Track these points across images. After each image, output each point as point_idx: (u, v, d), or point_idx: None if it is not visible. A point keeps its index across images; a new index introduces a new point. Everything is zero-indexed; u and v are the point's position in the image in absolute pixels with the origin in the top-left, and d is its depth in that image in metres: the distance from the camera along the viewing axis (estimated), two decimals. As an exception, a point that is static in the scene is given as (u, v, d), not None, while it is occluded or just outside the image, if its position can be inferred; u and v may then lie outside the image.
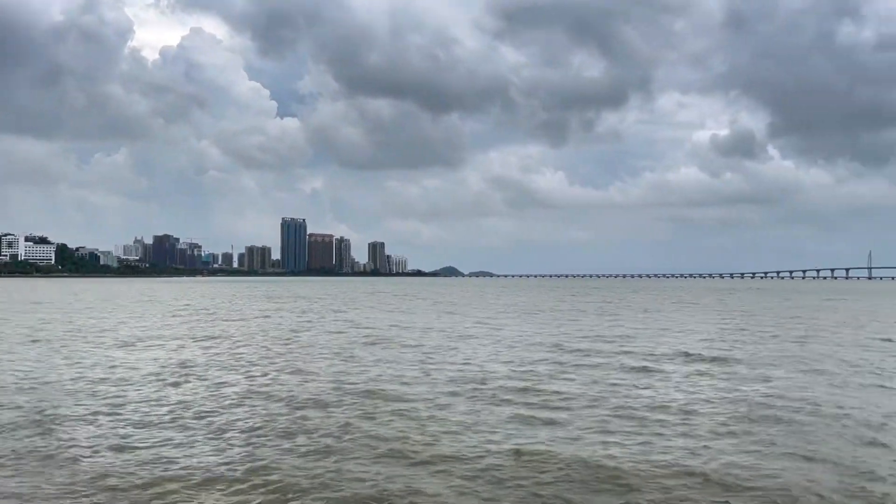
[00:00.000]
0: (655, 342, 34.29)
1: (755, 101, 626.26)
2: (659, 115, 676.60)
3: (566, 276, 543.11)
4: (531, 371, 24.35)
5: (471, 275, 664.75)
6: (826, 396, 19.51)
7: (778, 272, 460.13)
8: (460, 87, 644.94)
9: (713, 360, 27.46)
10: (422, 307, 71.36)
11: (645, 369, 24.86)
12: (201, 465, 13.03)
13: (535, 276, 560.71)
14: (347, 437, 15.02)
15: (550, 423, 16.41)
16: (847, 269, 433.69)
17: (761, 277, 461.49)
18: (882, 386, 21.53)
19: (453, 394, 19.94)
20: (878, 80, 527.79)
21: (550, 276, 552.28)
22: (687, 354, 28.95)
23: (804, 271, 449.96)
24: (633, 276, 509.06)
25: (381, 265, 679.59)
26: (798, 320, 51.56)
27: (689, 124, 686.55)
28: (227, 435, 15.19)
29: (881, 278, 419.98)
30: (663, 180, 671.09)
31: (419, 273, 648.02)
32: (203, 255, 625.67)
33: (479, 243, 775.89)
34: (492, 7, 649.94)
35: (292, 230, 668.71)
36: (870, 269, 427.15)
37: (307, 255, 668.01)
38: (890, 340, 35.68)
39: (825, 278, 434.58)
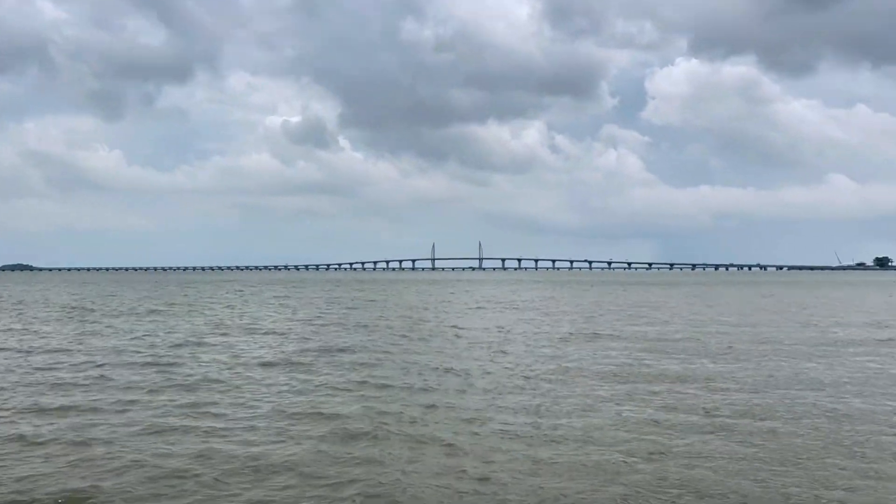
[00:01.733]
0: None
1: (326, 89, 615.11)
2: (229, 95, 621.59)
3: (126, 270, 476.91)
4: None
5: (3, 269, 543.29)
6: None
7: (351, 264, 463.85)
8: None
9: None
10: None
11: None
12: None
13: (88, 270, 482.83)
14: None
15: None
16: (413, 261, 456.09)
17: (335, 269, 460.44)
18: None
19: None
20: (437, 79, 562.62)
21: (108, 270, 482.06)
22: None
23: (375, 262, 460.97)
24: (205, 269, 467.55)
25: None
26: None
27: (262, 108, 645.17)
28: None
29: (443, 269, 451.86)
30: (235, 165, 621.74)
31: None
32: None
33: (12, 230, 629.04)
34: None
35: None
36: (433, 259, 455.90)
37: None
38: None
39: (394, 269, 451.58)
